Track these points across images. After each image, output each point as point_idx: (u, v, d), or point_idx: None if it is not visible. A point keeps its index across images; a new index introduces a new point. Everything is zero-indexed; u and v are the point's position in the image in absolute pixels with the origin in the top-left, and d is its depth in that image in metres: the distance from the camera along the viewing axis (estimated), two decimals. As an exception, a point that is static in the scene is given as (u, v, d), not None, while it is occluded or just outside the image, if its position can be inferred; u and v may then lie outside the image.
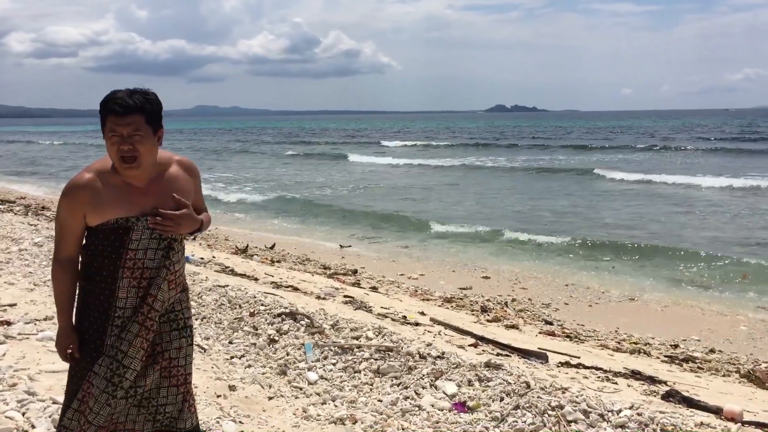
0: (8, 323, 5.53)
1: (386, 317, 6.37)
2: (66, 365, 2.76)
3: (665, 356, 6.62)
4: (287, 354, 5.08)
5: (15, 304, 6.10)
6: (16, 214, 13.06)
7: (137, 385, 2.69)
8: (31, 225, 10.85)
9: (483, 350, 5.45)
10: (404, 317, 6.53)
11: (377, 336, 5.21)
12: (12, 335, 5.25)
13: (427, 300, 8.39)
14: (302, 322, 5.54)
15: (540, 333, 7.16)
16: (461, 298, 8.63)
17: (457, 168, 31.51)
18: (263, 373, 4.84)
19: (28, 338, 5.25)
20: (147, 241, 2.61)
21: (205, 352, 5.21)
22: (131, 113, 2.50)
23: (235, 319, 5.83)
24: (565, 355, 5.79)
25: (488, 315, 7.73)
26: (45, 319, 5.71)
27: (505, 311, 8.01)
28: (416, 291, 8.96)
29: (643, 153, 39.22)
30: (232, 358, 5.14)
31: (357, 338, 5.21)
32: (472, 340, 5.77)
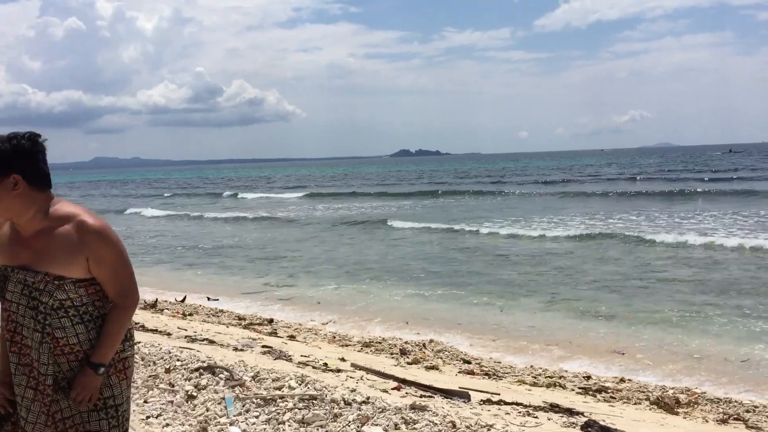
0: None
1: (307, 365, 6.29)
2: None
3: (579, 388, 6.82)
4: (207, 410, 4.91)
5: None
6: None
7: None
8: None
9: (406, 393, 5.46)
10: (325, 364, 6.46)
11: (300, 385, 5.13)
12: None
13: (346, 345, 8.34)
14: (221, 376, 5.39)
15: (459, 372, 7.24)
16: (380, 342, 8.62)
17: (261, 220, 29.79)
18: (182, 432, 4.66)
19: None
20: (18, 296, 2.48)
21: (118, 413, 4.97)
22: None
23: (150, 376, 5.61)
24: (486, 392, 5.88)
25: (408, 357, 7.76)
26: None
27: (424, 353, 8.06)
28: (334, 337, 8.89)
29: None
30: (148, 418, 4.92)
31: (279, 388, 5.11)
32: (395, 384, 5.77)
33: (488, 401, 5.46)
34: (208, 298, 11.88)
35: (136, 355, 6.04)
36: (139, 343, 6.45)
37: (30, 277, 2.45)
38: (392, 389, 5.57)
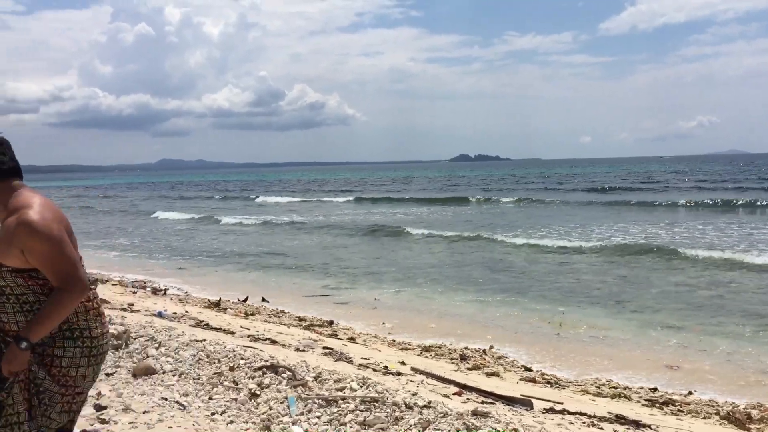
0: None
1: (368, 368, 6.30)
2: None
3: (645, 400, 6.63)
4: (270, 408, 4.97)
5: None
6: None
7: None
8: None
9: (467, 398, 5.41)
10: (386, 367, 6.47)
11: (361, 387, 5.14)
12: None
13: (406, 349, 8.33)
14: (284, 375, 5.45)
15: (521, 380, 7.14)
16: (439, 347, 8.58)
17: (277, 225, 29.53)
18: (246, 429, 4.72)
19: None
20: None
21: (184, 409, 5.07)
22: None
23: (215, 374, 5.71)
24: (549, 401, 5.77)
25: (468, 363, 7.69)
26: None
27: (484, 359, 7.98)
28: (394, 341, 8.89)
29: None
30: (212, 414, 5.01)
31: (341, 390, 5.14)
32: (456, 389, 5.73)
33: (551, 410, 5.36)
34: (263, 299, 12.03)
35: (202, 352, 6.17)
36: (205, 340, 6.58)
37: None
38: (453, 394, 5.52)
